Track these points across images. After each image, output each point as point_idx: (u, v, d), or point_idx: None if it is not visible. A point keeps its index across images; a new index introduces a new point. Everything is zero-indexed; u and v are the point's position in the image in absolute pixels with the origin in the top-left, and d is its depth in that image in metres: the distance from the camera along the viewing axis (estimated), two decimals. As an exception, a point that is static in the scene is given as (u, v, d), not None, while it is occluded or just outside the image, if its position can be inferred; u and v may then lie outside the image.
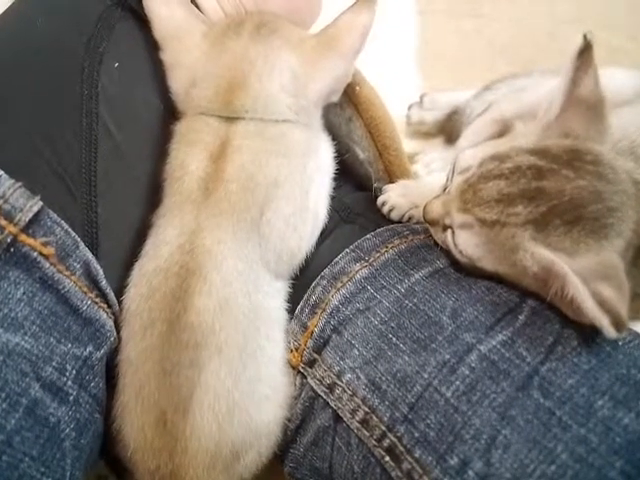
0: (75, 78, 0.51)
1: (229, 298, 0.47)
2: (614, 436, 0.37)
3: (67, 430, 0.43)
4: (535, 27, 0.86)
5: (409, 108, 0.82)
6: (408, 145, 0.78)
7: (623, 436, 0.37)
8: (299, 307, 0.53)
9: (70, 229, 0.47)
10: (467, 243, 0.47)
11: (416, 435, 0.42)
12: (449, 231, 0.48)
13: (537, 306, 0.46)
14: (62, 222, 0.46)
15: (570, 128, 0.45)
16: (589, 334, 0.42)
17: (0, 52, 0.52)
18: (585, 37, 0.44)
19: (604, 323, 0.38)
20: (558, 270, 0.40)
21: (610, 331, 0.38)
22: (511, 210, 0.43)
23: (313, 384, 0.49)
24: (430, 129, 0.81)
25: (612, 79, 0.64)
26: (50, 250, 0.44)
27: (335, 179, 0.56)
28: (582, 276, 0.39)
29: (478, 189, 0.45)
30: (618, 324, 0.38)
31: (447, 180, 0.50)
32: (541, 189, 0.43)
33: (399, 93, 0.80)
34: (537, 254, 0.42)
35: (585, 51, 0.44)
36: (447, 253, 0.50)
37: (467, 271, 0.49)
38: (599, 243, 0.42)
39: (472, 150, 0.48)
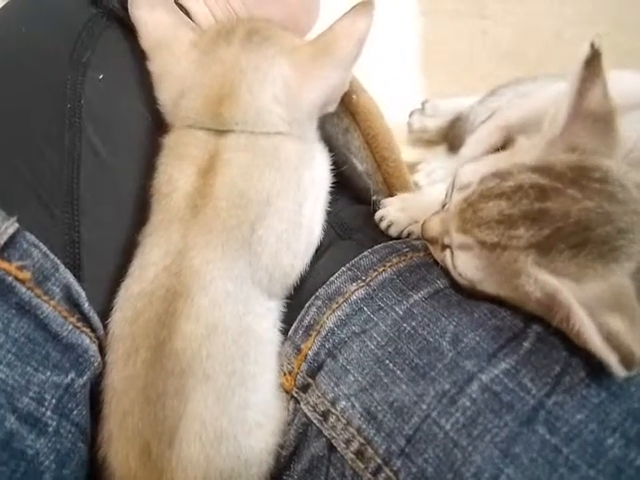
0: (58, 91, 0.49)
1: (218, 323, 0.45)
2: (626, 479, 0.34)
3: (47, 462, 0.41)
4: (542, 28, 0.83)
5: (410, 115, 0.80)
6: (409, 153, 0.76)
7: (635, 478, 0.34)
8: (293, 328, 0.51)
9: (49, 251, 0.45)
10: (466, 265, 0.44)
11: (413, 470, 0.39)
12: (448, 251, 0.46)
13: (543, 331, 0.43)
14: (40, 244, 0.44)
15: (576, 142, 0.43)
16: (599, 363, 0.40)
17: None
18: (592, 45, 0.41)
19: (612, 361, 0.35)
20: (563, 300, 0.38)
21: (618, 369, 0.35)
22: (513, 232, 0.41)
23: (306, 410, 0.47)
24: (432, 137, 0.79)
25: (620, 82, 0.61)
26: (26, 274, 0.42)
27: (332, 192, 0.54)
28: (589, 306, 0.37)
29: (478, 208, 0.43)
30: (629, 360, 0.35)
31: (446, 196, 0.47)
32: (544, 210, 0.40)
33: (401, 99, 0.78)
34: (540, 280, 0.39)
35: (593, 59, 0.41)
36: (447, 273, 0.48)
37: (468, 292, 0.47)
38: (608, 267, 0.39)
39: (473, 165, 0.45)
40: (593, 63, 0.42)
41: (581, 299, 0.37)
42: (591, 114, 0.42)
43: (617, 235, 0.40)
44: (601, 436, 0.36)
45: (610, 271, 0.40)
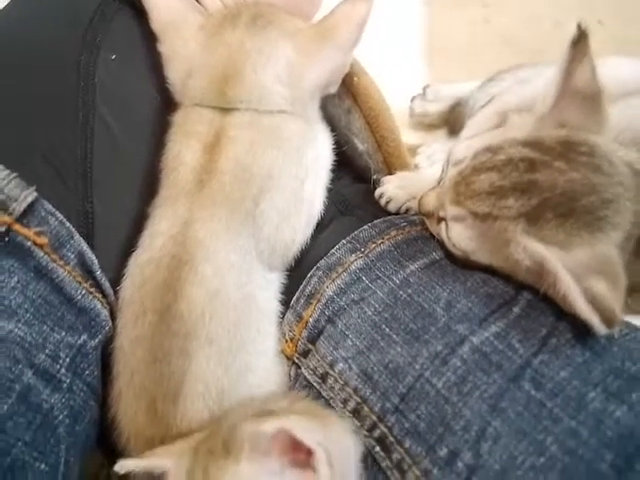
0: (72, 70, 0.51)
1: (220, 289, 0.47)
2: (605, 429, 0.36)
3: (61, 417, 0.44)
4: (544, 16, 0.84)
5: (412, 100, 0.81)
6: (411, 137, 0.78)
7: (614, 429, 0.36)
8: (295, 297, 0.53)
9: (65, 219, 0.47)
10: (460, 236, 0.46)
11: (406, 426, 0.42)
12: (443, 223, 0.48)
13: (533, 298, 0.45)
14: (57, 212, 0.47)
15: (566, 119, 0.44)
16: (584, 326, 0.41)
17: None
18: (579, 26, 0.43)
19: (594, 321, 0.37)
20: (550, 266, 0.40)
21: (600, 328, 0.37)
22: (503, 203, 0.43)
23: (306, 374, 0.49)
24: (433, 121, 0.80)
25: (617, 69, 0.62)
26: (44, 240, 0.45)
27: (334, 171, 0.56)
28: (574, 271, 0.39)
29: (471, 181, 0.44)
30: (610, 320, 0.37)
31: (442, 172, 0.49)
32: (533, 182, 0.42)
33: (403, 84, 0.79)
34: (529, 248, 0.41)
35: (580, 41, 0.43)
36: (443, 245, 0.50)
37: (462, 263, 0.49)
38: (593, 236, 0.41)
39: (466, 142, 0.47)
40: (580, 44, 0.43)
41: (567, 265, 0.39)
42: (579, 92, 0.44)
43: (602, 205, 0.42)
44: (583, 391, 0.38)
45: (596, 239, 0.41)
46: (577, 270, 0.39)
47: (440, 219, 0.49)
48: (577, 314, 0.39)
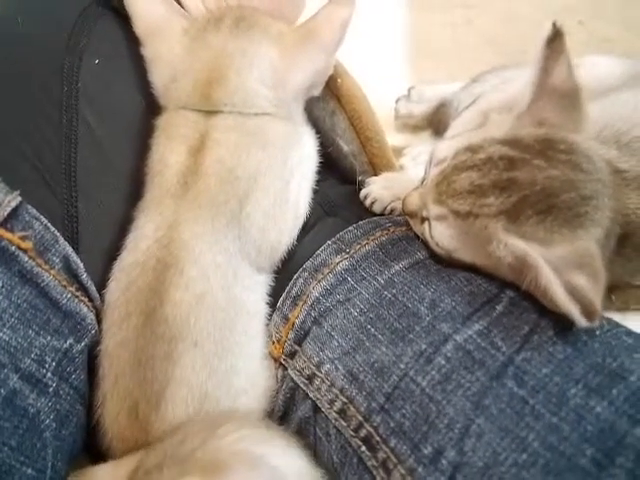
0: (55, 75, 0.51)
1: (206, 292, 0.47)
2: (586, 424, 0.37)
3: (47, 421, 0.44)
4: (526, 17, 0.85)
5: (397, 101, 0.82)
6: (396, 138, 0.78)
7: (595, 424, 0.37)
8: (281, 299, 0.53)
9: (49, 224, 0.47)
10: (442, 235, 0.47)
11: (392, 425, 0.42)
12: (426, 223, 0.48)
13: (516, 296, 0.45)
14: (41, 217, 0.47)
15: (544, 117, 0.45)
16: (566, 324, 0.42)
17: None
18: (554, 25, 0.44)
19: (574, 312, 0.38)
20: (531, 260, 0.40)
21: (580, 320, 0.38)
22: (483, 201, 0.43)
23: (293, 375, 0.49)
24: (418, 122, 0.81)
25: (596, 67, 0.63)
26: (28, 244, 0.45)
27: (319, 172, 0.57)
28: (555, 266, 0.39)
29: (452, 180, 0.45)
30: (590, 313, 0.38)
31: (425, 172, 0.50)
32: (512, 179, 0.43)
33: (387, 86, 0.80)
34: (510, 245, 0.42)
35: (555, 39, 0.44)
36: (427, 245, 0.50)
37: (446, 262, 0.49)
38: (574, 232, 0.42)
39: (448, 141, 0.48)
40: (555, 42, 0.44)
41: (548, 260, 0.40)
42: (556, 90, 0.45)
43: (581, 202, 0.42)
44: (564, 387, 0.39)
45: (576, 236, 0.42)
46: (558, 264, 0.40)
47: (423, 219, 0.49)
48: (558, 308, 0.39)
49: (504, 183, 0.43)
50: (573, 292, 0.38)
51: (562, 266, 0.40)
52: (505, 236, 0.42)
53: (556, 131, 0.45)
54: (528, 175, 0.43)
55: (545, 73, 0.44)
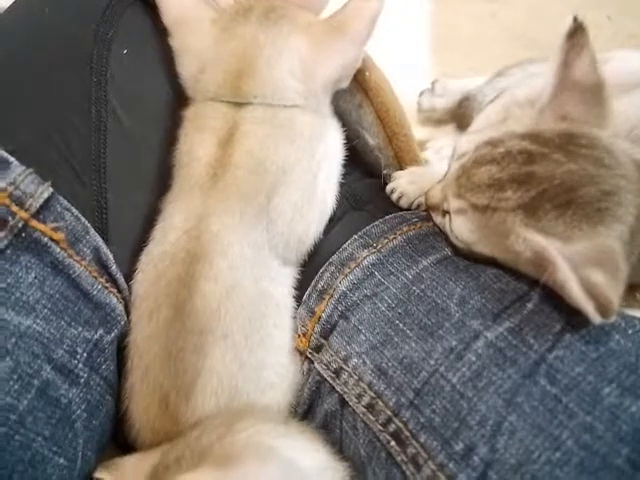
0: (84, 65, 0.51)
1: (235, 284, 0.47)
2: (620, 424, 0.37)
3: (78, 411, 0.44)
4: (552, 11, 0.84)
5: (420, 95, 0.81)
6: (419, 132, 0.78)
7: (630, 424, 0.37)
8: (307, 293, 0.53)
9: (80, 215, 0.47)
10: (461, 228, 0.46)
11: (422, 420, 0.42)
12: (447, 216, 0.48)
13: (546, 294, 0.45)
14: (72, 208, 0.47)
15: (566, 112, 0.44)
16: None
17: (10, 40, 0.53)
18: (575, 18, 0.43)
19: (589, 309, 0.37)
20: (548, 255, 0.40)
21: (595, 317, 0.37)
22: (501, 195, 0.43)
23: (320, 369, 0.49)
24: (442, 116, 0.80)
25: (627, 61, 0.62)
26: (60, 235, 0.45)
27: (345, 166, 0.56)
28: (573, 261, 0.39)
29: (472, 174, 0.45)
30: (605, 309, 0.37)
31: (449, 166, 0.49)
32: (531, 173, 0.42)
33: (412, 79, 0.79)
34: (528, 239, 0.41)
35: (576, 32, 0.43)
36: (447, 238, 0.50)
37: (465, 255, 0.49)
38: (594, 228, 0.41)
39: (470, 136, 0.48)
40: (577, 35, 0.43)
41: (566, 255, 0.39)
42: (578, 84, 0.44)
43: (602, 197, 0.41)
44: (598, 386, 0.39)
45: (597, 232, 0.41)
46: (576, 260, 0.39)
47: (445, 212, 0.49)
48: (574, 303, 0.39)
49: (522, 177, 0.43)
50: (589, 288, 0.38)
51: (580, 262, 0.39)
52: (523, 230, 0.42)
53: (578, 126, 0.44)
54: (547, 169, 0.42)
55: (566, 67, 0.43)
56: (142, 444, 0.48)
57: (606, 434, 0.37)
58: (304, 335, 0.52)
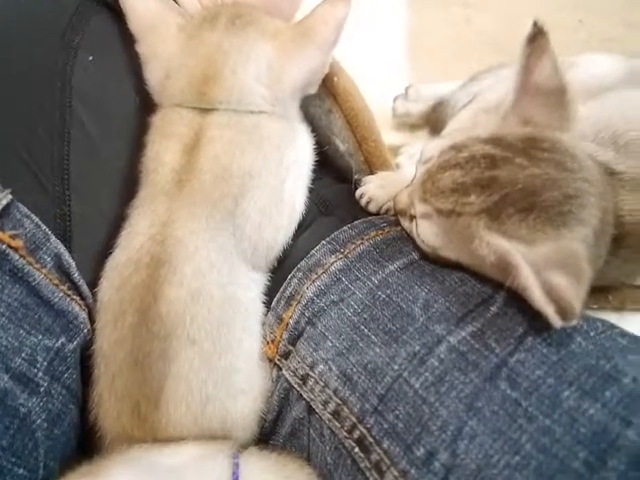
0: (49, 71, 0.51)
1: (201, 289, 0.47)
2: (579, 427, 0.37)
3: (38, 421, 0.43)
4: (525, 16, 0.84)
5: (394, 100, 0.82)
6: (393, 137, 0.78)
7: (588, 427, 0.37)
8: (275, 299, 0.53)
9: (41, 222, 0.47)
10: (427, 232, 0.47)
11: (385, 426, 0.42)
12: (414, 221, 0.48)
13: (510, 298, 0.45)
14: (32, 215, 0.46)
15: (529, 116, 0.45)
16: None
17: None
18: (535, 23, 0.43)
19: (549, 311, 0.37)
20: (510, 258, 0.40)
21: (555, 320, 0.37)
22: (465, 199, 0.43)
23: (287, 375, 0.49)
24: (416, 121, 0.81)
25: (595, 65, 0.63)
26: (19, 242, 0.44)
27: (315, 171, 0.56)
28: (535, 265, 0.39)
29: (436, 179, 0.45)
30: (566, 312, 0.37)
31: (416, 170, 0.50)
32: (494, 178, 0.42)
33: (385, 85, 0.80)
34: (492, 243, 0.41)
35: (536, 37, 0.43)
36: (414, 243, 0.50)
37: (432, 259, 0.49)
38: (557, 231, 0.41)
39: (436, 140, 0.48)
40: (537, 39, 0.43)
41: (529, 259, 0.39)
42: (540, 88, 0.44)
43: (565, 200, 0.42)
44: (558, 389, 0.38)
45: (560, 235, 0.41)
46: (538, 263, 0.39)
47: (412, 217, 0.49)
48: (535, 306, 0.39)
49: (486, 181, 0.43)
50: (550, 291, 0.38)
51: (543, 265, 0.39)
52: (486, 234, 0.42)
53: (541, 130, 0.44)
54: (509, 173, 0.42)
55: (527, 71, 0.44)
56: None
57: (564, 437, 0.36)
58: (272, 342, 0.52)
